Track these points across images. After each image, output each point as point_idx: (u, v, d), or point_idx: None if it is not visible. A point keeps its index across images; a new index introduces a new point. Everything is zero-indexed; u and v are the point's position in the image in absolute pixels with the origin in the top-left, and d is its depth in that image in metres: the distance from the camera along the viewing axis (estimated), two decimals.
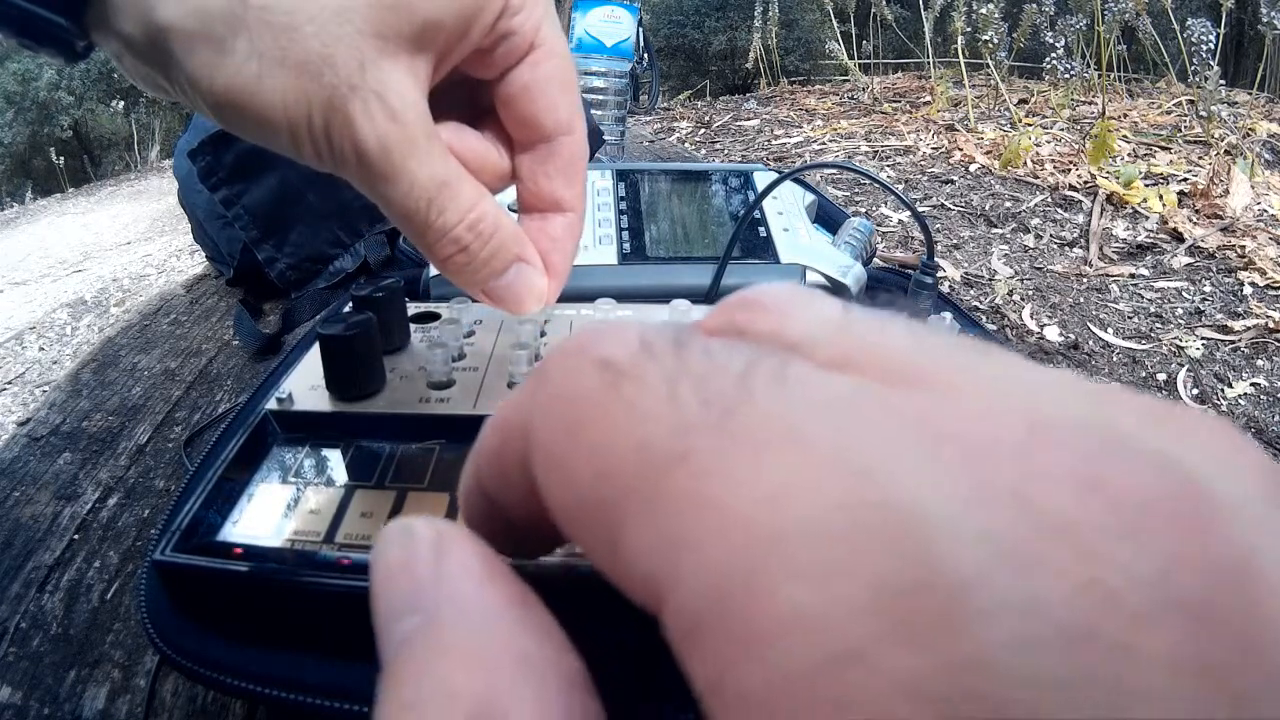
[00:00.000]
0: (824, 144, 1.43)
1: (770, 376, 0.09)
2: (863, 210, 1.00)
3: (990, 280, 0.78)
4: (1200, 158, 1.11)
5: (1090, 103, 1.54)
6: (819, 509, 0.07)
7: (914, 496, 0.07)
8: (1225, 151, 1.09)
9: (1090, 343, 0.66)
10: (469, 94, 0.25)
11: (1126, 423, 0.08)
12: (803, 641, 0.07)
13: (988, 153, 1.21)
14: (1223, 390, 0.58)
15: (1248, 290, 0.73)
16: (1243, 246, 0.80)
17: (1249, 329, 0.66)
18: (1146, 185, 0.99)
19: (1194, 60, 1.19)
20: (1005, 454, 0.08)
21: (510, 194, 0.26)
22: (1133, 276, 0.78)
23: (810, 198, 0.55)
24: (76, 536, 0.40)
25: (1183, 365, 0.61)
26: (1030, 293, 0.75)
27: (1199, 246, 0.82)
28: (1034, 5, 1.54)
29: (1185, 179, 1.02)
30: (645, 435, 0.09)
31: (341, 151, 0.21)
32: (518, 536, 0.13)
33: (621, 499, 0.09)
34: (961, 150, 1.24)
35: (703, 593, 0.08)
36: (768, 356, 0.09)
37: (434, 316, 0.39)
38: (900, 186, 1.10)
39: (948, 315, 0.41)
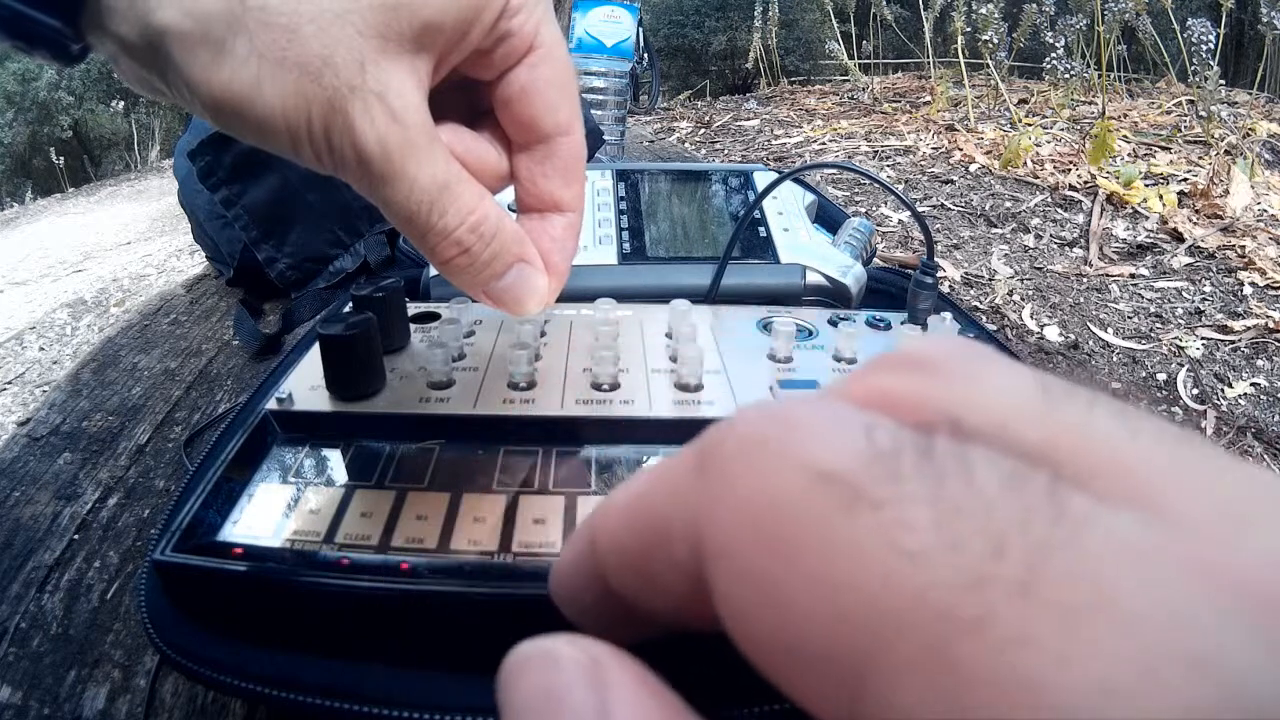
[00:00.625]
0: (824, 144, 1.43)
1: (1055, 515, 0.08)
2: (863, 210, 1.00)
3: (990, 280, 0.78)
4: (1200, 158, 1.11)
5: (1090, 103, 1.54)
6: (1163, 705, 0.06)
7: (1264, 689, 0.06)
8: (1225, 151, 1.09)
9: (1090, 343, 0.66)
10: (467, 95, 0.25)
11: None
12: None
13: (988, 153, 1.21)
14: (1223, 390, 0.58)
15: (1248, 290, 0.73)
16: (1243, 246, 0.80)
17: (1249, 329, 0.66)
18: (1146, 185, 0.99)
19: (1194, 60, 1.19)
20: None
21: (509, 194, 0.26)
22: (1133, 276, 0.78)
23: (810, 198, 0.55)
24: (76, 536, 0.40)
25: (1183, 365, 0.61)
26: (1030, 293, 0.75)
27: (1199, 246, 0.82)
28: (1034, 5, 1.54)
29: (1185, 179, 1.02)
30: (920, 584, 0.08)
31: (341, 153, 0.21)
32: (635, 628, 0.12)
33: (880, 653, 0.08)
34: (961, 150, 1.24)
35: None
36: (1039, 483, 0.08)
37: (434, 316, 0.39)
38: (900, 186, 1.10)
39: (948, 315, 0.41)
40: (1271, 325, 0.66)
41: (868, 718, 0.08)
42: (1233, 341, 0.65)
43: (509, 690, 0.10)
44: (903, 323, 0.40)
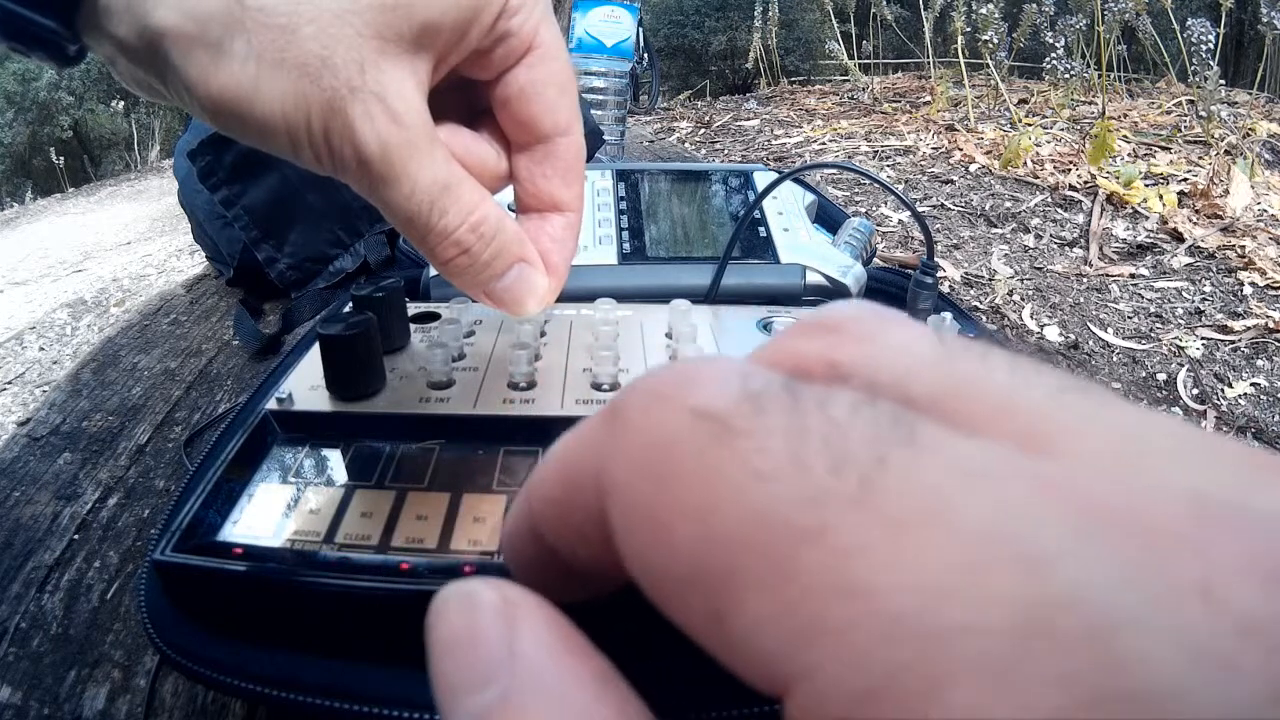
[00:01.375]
0: (824, 144, 1.43)
1: (901, 439, 0.08)
2: (863, 210, 1.00)
3: (990, 280, 0.78)
4: (1200, 158, 1.11)
5: (1090, 103, 1.54)
6: (990, 604, 0.07)
7: (1098, 593, 0.07)
8: (1225, 151, 1.09)
9: (1090, 343, 0.66)
10: (465, 95, 0.25)
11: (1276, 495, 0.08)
12: None
13: (988, 153, 1.21)
14: (1223, 390, 0.58)
15: (1248, 290, 0.73)
16: (1243, 246, 0.80)
17: (1249, 329, 0.66)
18: (1146, 185, 0.99)
19: (1194, 60, 1.19)
20: (1179, 542, 0.07)
21: (507, 194, 0.26)
22: (1133, 276, 0.78)
23: (810, 198, 0.55)
24: (76, 536, 0.40)
25: (1183, 365, 0.61)
26: (1030, 293, 0.75)
27: (1199, 246, 0.82)
28: (1034, 5, 1.54)
29: (1185, 179, 1.02)
30: (767, 502, 0.08)
31: (341, 155, 0.21)
32: (574, 583, 0.13)
33: (735, 570, 0.08)
34: (961, 150, 1.24)
35: (848, 684, 0.07)
36: (889, 412, 0.09)
37: (434, 316, 0.39)
38: (900, 186, 1.10)
39: (948, 315, 0.41)
40: (1271, 325, 0.66)
41: (729, 634, 0.08)
42: (1233, 341, 0.65)
43: (432, 629, 0.11)
44: None
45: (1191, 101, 1.31)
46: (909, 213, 0.47)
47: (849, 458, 0.08)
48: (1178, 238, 0.85)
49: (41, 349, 0.66)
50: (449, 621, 0.11)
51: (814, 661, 0.07)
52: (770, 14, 2.37)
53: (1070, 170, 1.08)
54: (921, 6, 1.78)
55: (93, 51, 0.21)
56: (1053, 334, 0.67)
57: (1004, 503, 0.08)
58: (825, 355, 0.11)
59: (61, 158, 3.92)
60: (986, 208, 0.99)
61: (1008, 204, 1.00)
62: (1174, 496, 0.08)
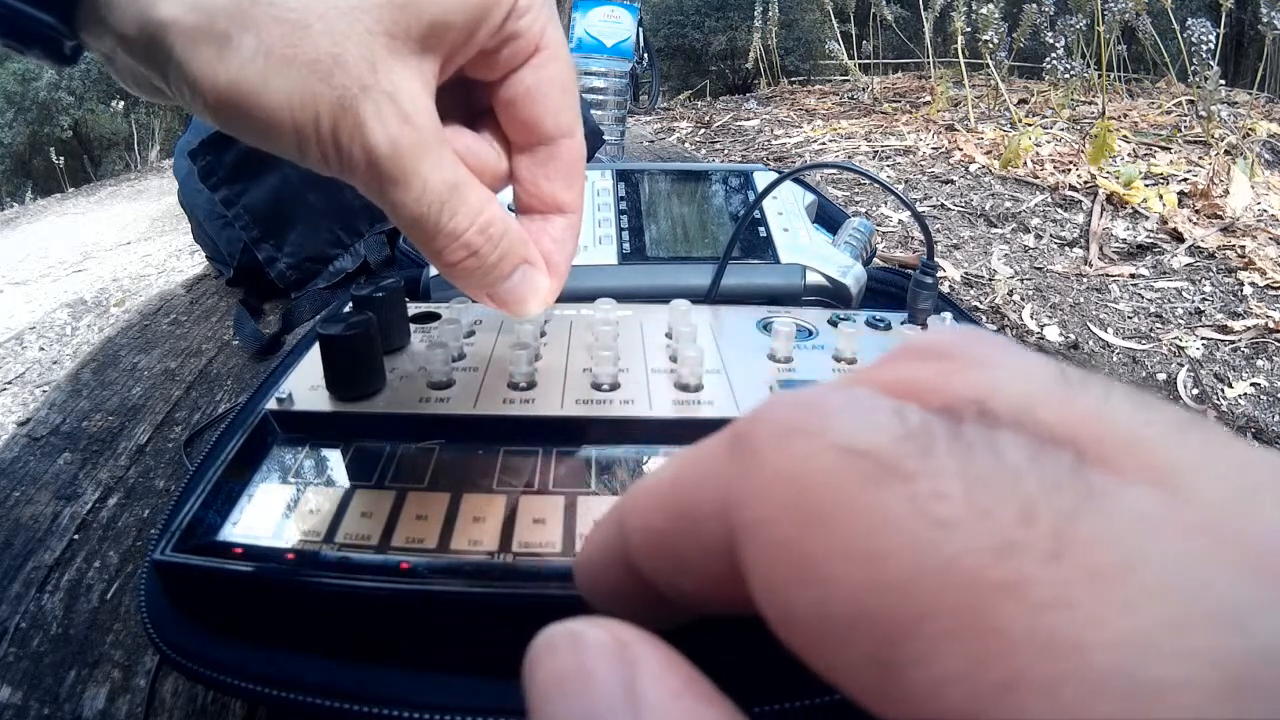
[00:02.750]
0: (824, 144, 1.43)
1: (1081, 491, 0.08)
2: (863, 210, 1.00)
3: (990, 280, 0.78)
4: (1200, 158, 1.11)
5: (1090, 103, 1.54)
6: (1195, 660, 0.07)
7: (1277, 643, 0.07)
8: (1225, 151, 1.09)
9: (1090, 343, 0.66)
10: (466, 94, 0.25)
11: None
12: None
13: (988, 153, 1.21)
14: (1223, 390, 0.58)
15: (1248, 290, 0.73)
16: (1243, 246, 0.80)
17: (1249, 329, 0.66)
18: (1146, 185, 0.99)
19: (1194, 60, 1.19)
20: None
21: (505, 194, 0.26)
22: (1133, 276, 0.78)
23: (810, 198, 0.55)
24: (76, 536, 0.40)
25: (1183, 365, 0.61)
26: (1030, 293, 0.75)
27: (1199, 246, 0.82)
28: (1034, 5, 1.54)
29: (1185, 179, 1.02)
30: (954, 552, 0.08)
31: (350, 155, 0.21)
32: (661, 612, 0.12)
33: (918, 620, 0.08)
34: (961, 150, 1.24)
35: None
36: (1067, 462, 0.09)
37: (434, 316, 0.39)
38: (900, 186, 1.10)
39: (948, 315, 0.41)
40: (1271, 325, 0.66)
41: (901, 685, 0.08)
42: (1233, 341, 0.65)
43: (534, 672, 0.10)
44: (903, 323, 0.40)
45: (1191, 101, 1.31)
46: (909, 213, 0.47)
47: (1037, 508, 0.08)
48: (1178, 238, 0.85)
49: (41, 349, 0.66)
50: (554, 663, 0.10)
51: (1012, 716, 0.07)
52: (770, 14, 2.37)
53: (1070, 170, 1.08)
54: (921, 6, 1.78)
55: (90, 49, 0.21)
56: (1053, 334, 0.67)
57: (1181, 554, 0.08)
58: (941, 382, 0.10)
59: (61, 158, 3.92)
60: (986, 208, 0.99)
61: (1008, 204, 1.00)
62: None
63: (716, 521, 0.10)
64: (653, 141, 1.57)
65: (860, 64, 2.11)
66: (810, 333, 0.38)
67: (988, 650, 0.07)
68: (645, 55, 1.15)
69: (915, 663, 0.08)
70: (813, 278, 0.45)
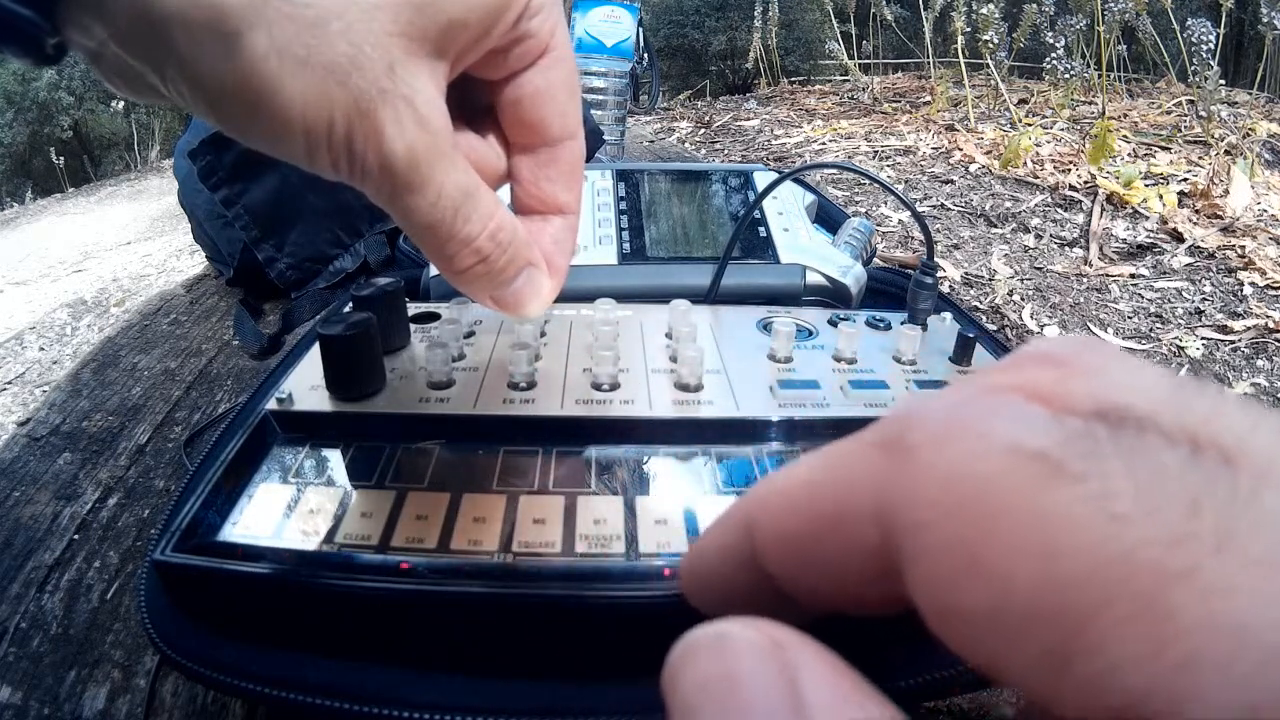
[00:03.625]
0: (824, 144, 1.43)
1: (1230, 487, 0.09)
2: (863, 210, 1.00)
3: (990, 280, 0.78)
4: (1200, 158, 1.11)
5: (1090, 103, 1.54)
6: None
7: None
8: (1225, 151, 1.09)
9: None
10: (465, 93, 0.25)
11: None
12: None
13: (988, 153, 1.21)
14: (1223, 390, 0.58)
15: (1248, 290, 0.73)
16: (1243, 246, 0.80)
17: (1249, 329, 0.66)
18: (1146, 185, 0.99)
19: (1194, 60, 1.19)
20: None
21: (502, 193, 0.26)
22: (1133, 276, 0.78)
23: (810, 198, 0.55)
24: (76, 536, 0.40)
25: (1183, 365, 0.61)
26: (1030, 293, 0.75)
27: (1199, 246, 0.82)
28: (1034, 5, 1.54)
29: (1185, 179, 1.02)
30: (1131, 544, 0.09)
31: (363, 160, 0.19)
32: (781, 613, 0.12)
33: (1093, 610, 0.09)
34: (961, 150, 1.24)
35: (1232, 707, 0.08)
36: (1215, 460, 0.09)
37: (434, 316, 0.39)
38: (900, 186, 1.10)
39: (948, 315, 0.41)
40: (1271, 325, 0.66)
41: (1076, 674, 0.09)
42: (1233, 341, 0.65)
43: (678, 680, 0.10)
44: (903, 323, 0.40)
45: (1191, 101, 1.31)
46: (909, 213, 0.47)
47: (1201, 504, 0.09)
48: (1178, 238, 0.85)
49: (41, 349, 0.66)
50: (699, 669, 0.10)
51: (1191, 692, 0.08)
52: (770, 14, 2.37)
53: (1070, 170, 1.08)
54: (921, 6, 1.78)
55: (74, 45, 0.19)
56: (1053, 334, 0.67)
57: None
58: (1063, 388, 0.11)
59: (61, 158, 3.92)
60: (986, 208, 0.99)
61: (1008, 204, 1.00)
62: None
63: (869, 523, 0.10)
64: (653, 141, 1.57)
65: (860, 64, 2.11)
66: (810, 333, 0.38)
67: (1165, 633, 0.08)
68: (645, 55, 1.15)
69: (1092, 651, 0.08)
70: (813, 278, 0.45)
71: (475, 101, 0.25)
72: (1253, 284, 0.74)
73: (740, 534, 0.12)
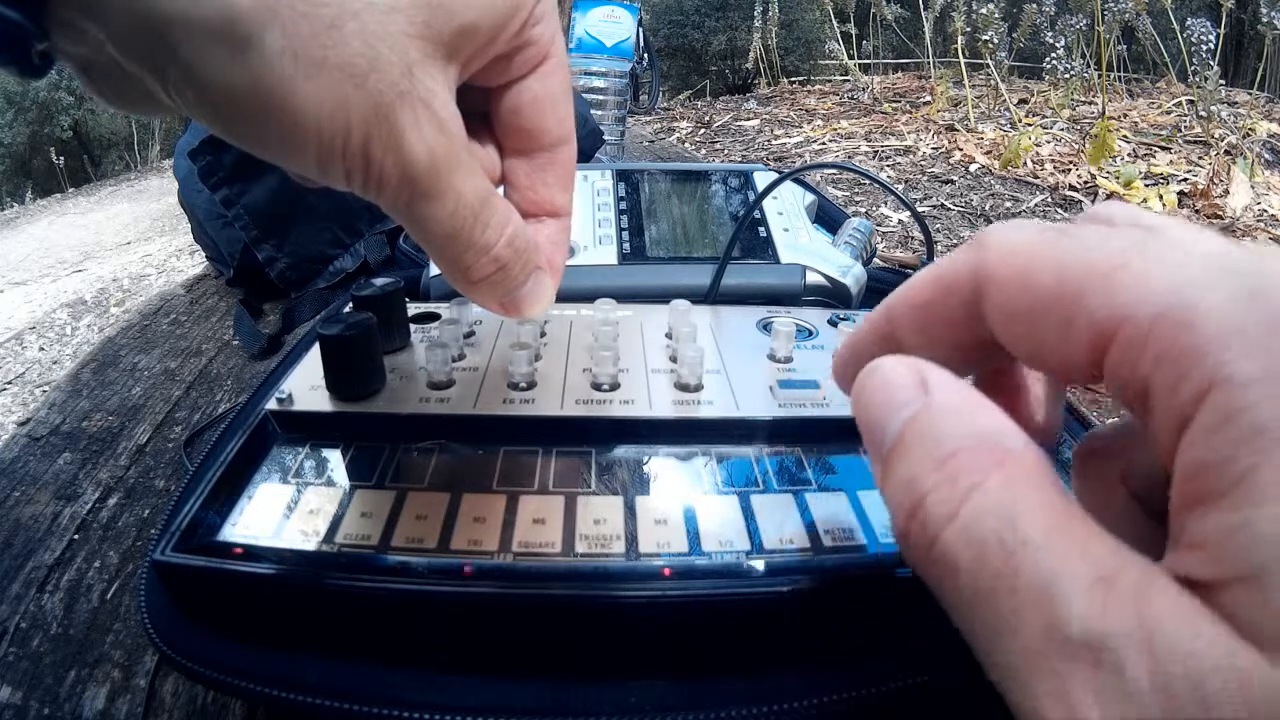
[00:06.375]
0: (824, 144, 1.43)
1: (1147, 228, 0.14)
2: (863, 210, 1.00)
3: None
4: (1200, 158, 1.11)
5: (1090, 103, 1.54)
6: (1209, 275, 0.12)
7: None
8: (1225, 151, 1.09)
9: None
10: (461, 100, 0.25)
11: None
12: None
13: (988, 153, 1.21)
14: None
15: None
16: None
17: None
18: (1146, 185, 0.99)
19: (1194, 60, 1.19)
20: None
21: None
22: None
23: (810, 198, 0.55)
24: (76, 536, 0.40)
25: None
26: None
27: None
28: (1034, 5, 1.54)
29: (1185, 179, 1.02)
30: (1094, 254, 0.14)
31: (381, 167, 0.19)
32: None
33: (1079, 290, 0.14)
34: (961, 150, 1.24)
35: (1150, 306, 0.13)
36: (1144, 228, 0.15)
37: (434, 316, 0.39)
38: (900, 186, 1.10)
39: None
40: None
41: (1076, 320, 0.14)
42: None
43: (857, 398, 0.16)
44: None
45: (1191, 101, 1.31)
46: (909, 213, 0.47)
47: (1134, 235, 0.15)
48: None
49: (41, 349, 0.66)
50: (866, 385, 0.16)
51: (1125, 313, 0.13)
52: (770, 14, 2.38)
53: (1070, 170, 1.08)
54: (921, 6, 1.78)
55: (62, 55, 0.18)
56: None
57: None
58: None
59: (61, 158, 3.92)
60: (986, 208, 0.99)
61: (1008, 204, 1.00)
62: None
63: (968, 285, 0.16)
64: (653, 141, 1.57)
65: (860, 64, 2.11)
66: (810, 333, 0.38)
67: (1115, 288, 0.13)
68: (645, 55, 1.15)
69: (1080, 309, 0.14)
70: (813, 278, 0.45)
71: (469, 107, 0.25)
72: None
73: (881, 321, 0.18)
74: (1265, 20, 1.30)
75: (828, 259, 0.46)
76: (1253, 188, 0.95)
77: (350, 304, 0.35)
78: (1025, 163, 1.12)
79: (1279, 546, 0.10)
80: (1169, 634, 0.11)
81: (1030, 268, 0.15)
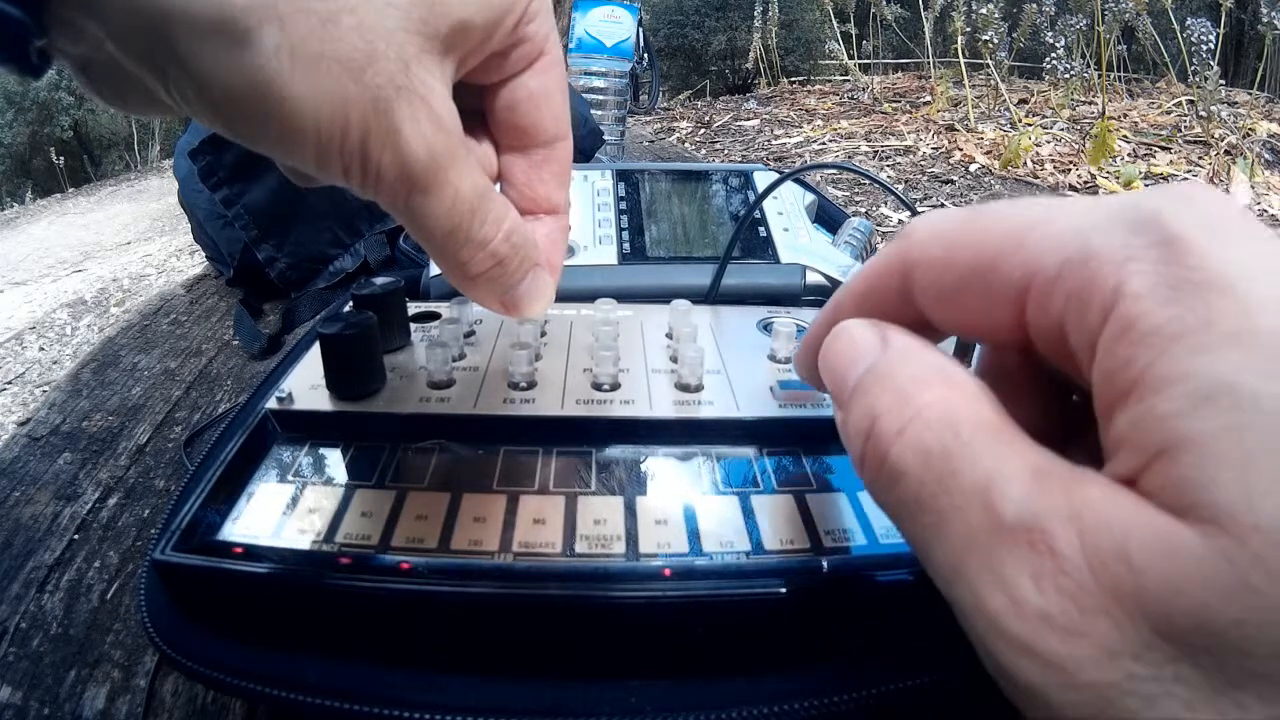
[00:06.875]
0: (824, 144, 1.43)
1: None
2: (863, 210, 1.00)
3: None
4: (1200, 158, 1.11)
5: (1090, 103, 1.54)
6: (1109, 219, 0.14)
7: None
8: (1225, 151, 1.09)
9: None
10: (456, 97, 0.25)
11: None
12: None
13: (988, 153, 1.21)
14: None
15: None
16: None
17: None
18: (1147, 185, 0.99)
19: (1194, 60, 1.19)
20: None
21: None
22: None
23: (810, 198, 0.55)
24: (76, 536, 0.40)
25: None
26: None
27: None
28: (1034, 5, 1.54)
29: (1185, 179, 1.02)
30: (1006, 223, 0.15)
31: (379, 163, 0.19)
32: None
33: (994, 258, 0.15)
34: (961, 150, 1.24)
35: (1057, 255, 0.14)
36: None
37: (434, 316, 0.39)
38: (900, 186, 1.10)
39: None
40: None
41: (993, 282, 0.16)
42: None
43: (823, 357, 0.18)
44: None
45: (1191, 101, 1.31)
46: (909, 213, 0.47)
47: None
48: None
49: (41, 349, 0.66)
50: (832, 345, 0.18)
51: (1038, 277, 0.15)
52: (770, 14, 2.38)
53: (1070, 170, 1.08)
54: (921, 6, 1.78)
55: (60, 54, 0.18)
56: None
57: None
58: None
59: (61, 158, 3.92)
60: None
61: None
62: None
63: (896, 273, 0.18)
64: (653, 141, 1.57)
65: (860, 64, 2.11)
66: None
67: (1026, 252, 0.15)
68: (645, 55, 1.15)
69: (995, 273, 0.15)
70: (813, 278, 0.45)
71: (465, 105, 0.25)
72: None
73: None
74: (1265, 20, 1.30)
75: (828, 259, 0.46)
76: (1253, 188, 0.95)
77: (350, 303, 0.35)
78: (1025, 163, 1.12)
79: (1177, 422, 0.11)
80: (1097, 510, 0.12)
81: (949, 248, 0.16)
